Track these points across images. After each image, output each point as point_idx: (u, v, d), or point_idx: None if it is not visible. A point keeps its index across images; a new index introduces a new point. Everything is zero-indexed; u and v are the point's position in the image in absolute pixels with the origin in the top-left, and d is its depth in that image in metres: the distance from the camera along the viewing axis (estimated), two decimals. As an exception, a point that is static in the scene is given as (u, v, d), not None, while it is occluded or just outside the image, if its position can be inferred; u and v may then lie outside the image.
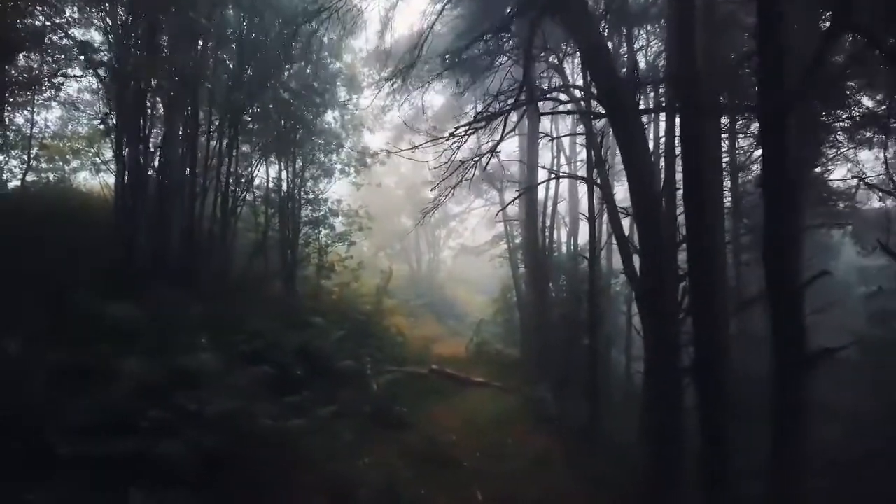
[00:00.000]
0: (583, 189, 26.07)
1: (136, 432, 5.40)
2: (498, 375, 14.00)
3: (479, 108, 12.96)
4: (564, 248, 22.48)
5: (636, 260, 8.26)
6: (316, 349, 9.58)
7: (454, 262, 34.90)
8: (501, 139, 8.11)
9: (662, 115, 10.10)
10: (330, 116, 15.97)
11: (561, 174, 14.39)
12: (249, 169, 14.62)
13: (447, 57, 10.22)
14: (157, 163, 11.67)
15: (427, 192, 32.39)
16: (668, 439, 7.17)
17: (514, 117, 8.87)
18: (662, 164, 8.68)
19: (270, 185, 15.13)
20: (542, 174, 16.84)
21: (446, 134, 7.95)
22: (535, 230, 16.79)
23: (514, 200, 11.80)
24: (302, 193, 15.63)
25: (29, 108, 12.03)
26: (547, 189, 16.55)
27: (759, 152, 8.48)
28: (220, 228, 13.44)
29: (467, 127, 7.94)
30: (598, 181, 8.92)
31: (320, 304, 15.40)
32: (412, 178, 31.47)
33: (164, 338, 7.30)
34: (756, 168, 10.23)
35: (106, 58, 10.79)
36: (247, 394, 6.72)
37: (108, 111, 10.96)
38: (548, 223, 16.44)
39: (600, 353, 11.34)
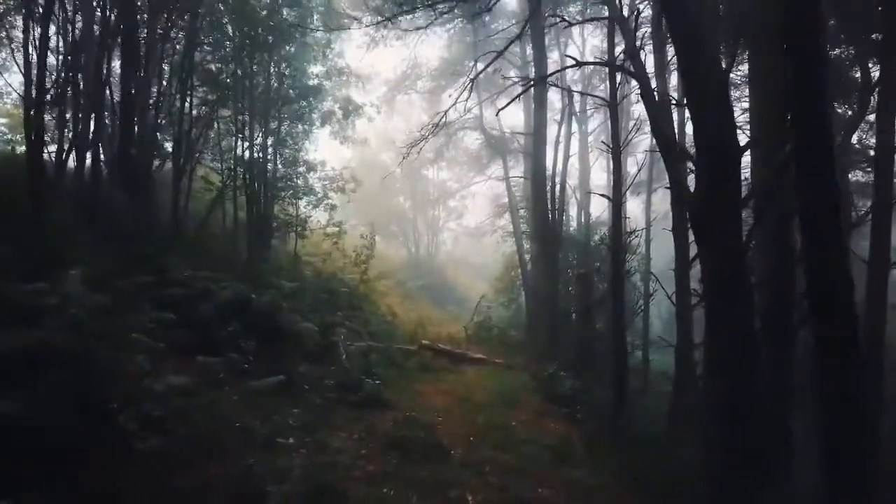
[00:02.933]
0: (594, 160, 24.17)
1: None
2: (501, 354, 11.89)
3: (480, 64, 11.15)
4: (574, 224, 20.49)
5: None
6: (262, 306, 7.43)
7: (455, 244, 32.79)
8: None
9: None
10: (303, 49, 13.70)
11: (586, 62, 11.83)
12: (205, 111, 12.47)
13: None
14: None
15: (426, 170, 30.61)
16: (740, 421, 5.03)
17: None
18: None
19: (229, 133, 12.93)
20: (550, 123, 14.71)
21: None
22: (543, 198, 14.50)
23: (519, 95, 9.37)
24: (269, 142, 13.47)
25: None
26: (557, 144, 14.31)
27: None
28: (173, 183, 11.41)
29: None
30: (632, 69, 6.72)
31: (296, 274, 13.34)
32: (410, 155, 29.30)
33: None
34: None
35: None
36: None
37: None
38: (558, 180, 14.12)
39: (624, 329, 9.20)
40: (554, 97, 18.25)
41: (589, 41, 21.52)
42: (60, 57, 9.47)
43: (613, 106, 8.51)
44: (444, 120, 8.70)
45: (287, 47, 13.41)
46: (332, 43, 14.95)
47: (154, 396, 4.42)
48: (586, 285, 10.56)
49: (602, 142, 8.95)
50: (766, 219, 5.51)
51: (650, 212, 19.33)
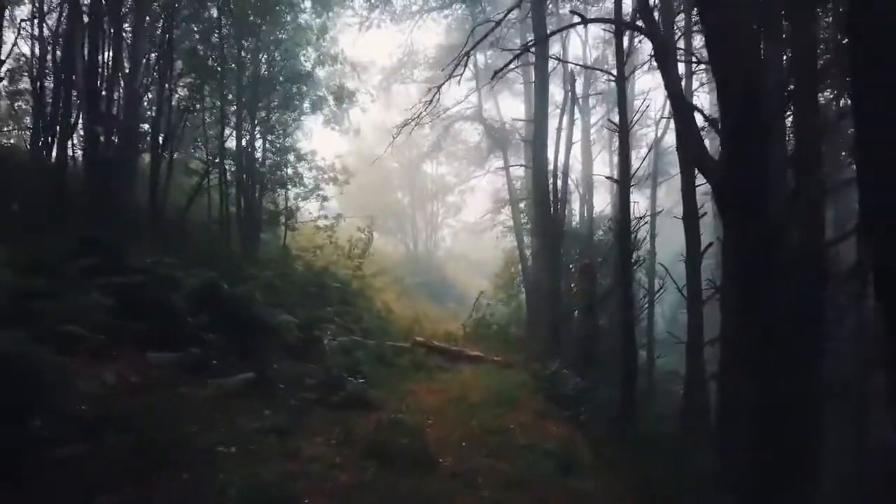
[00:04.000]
0: (596, 153, 23.40)
1: None
2: (500, 352, 11.15)
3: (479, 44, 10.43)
4: (577, 218, 19.78)
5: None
6: (235, 296, 6.71)
7: (454, 240, 32.07)
8: None
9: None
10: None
11: (591, 19, 10.96)
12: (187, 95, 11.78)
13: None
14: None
15: (424, 164, 29.89)
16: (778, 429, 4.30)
17: None
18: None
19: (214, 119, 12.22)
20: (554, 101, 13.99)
21: None
22: (544, 188, 13.69)
23: (518, 56, 8.68)
24: (257, 129, 12.77)
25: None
26: (559, 130, 13.54)
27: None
28: (151, 169, 10.76)
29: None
30: (645, 27, 5.97)
31: (286, 267, 12.64)
32: (408, 149, 28.58)
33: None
34: None
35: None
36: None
37: None
38: (560, 168, 13.28)
39: (633, 323, 8.46)
40: (555, 90, 17.55)
41: (591, 30, 20.75)
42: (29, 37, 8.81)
43: (621, 77, 7.80)
44: (437, 96, 8.02)
45: (278, 33, 12.74)
46: (328, 29, 14.28)
47: (82, 397, 3.71)
48: (590, 278, 9.85)
49: (608, 120, 8.19)
50: (804, 192, 4.78)
51: (655, 206, 18.58)
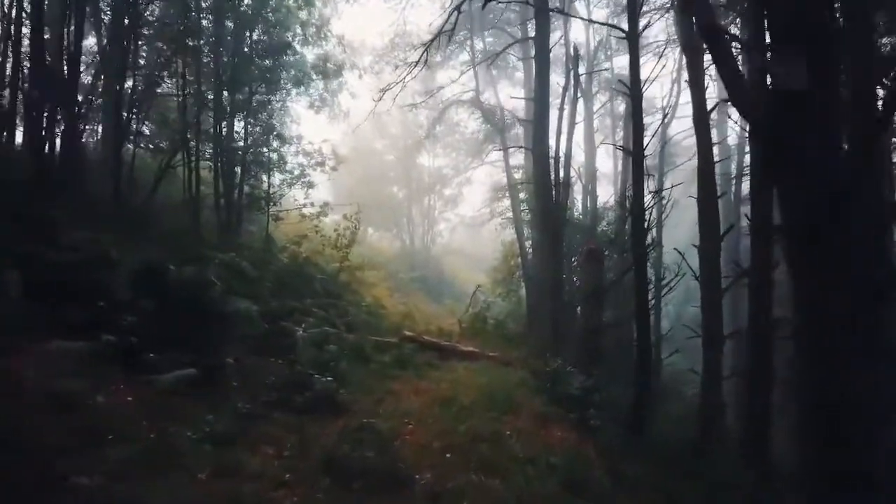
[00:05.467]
0: (599, 141, 22.33)
1: None
2: (497, 349, 10.16)
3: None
4: (580, 208, 18.78)
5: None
6: (184, 280, 5.70)
7: (452, 235, 31.06)
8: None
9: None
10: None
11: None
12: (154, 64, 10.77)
13: None
14: None
15: (421, 158, 28.90)
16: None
17: None
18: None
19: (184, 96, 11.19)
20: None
21: None
22: (546, 171, 12.64)
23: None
24: (232, 107, 11.76)
25: None
26: (561, 109, 12.53)
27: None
28: (113, 148, 9.78)
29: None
30: None
31: (268, 256, 11.66)
32: (402, 140, 27.56)
33: None
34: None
35: None
36: None
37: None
38: (563, 150, 12.25)
39: (648, 311, 7.44)
40: (557, 79, 16.53)
41: (595, 12, 19.75)
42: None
43: (633, 35, 6.79)
44: (425, 55, 7.03)
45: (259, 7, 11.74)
46: (313, 2, 13.27)
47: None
48: (596, 264, 8.84)
49: (619, 81, 7.19)
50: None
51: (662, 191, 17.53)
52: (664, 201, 14.16)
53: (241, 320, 6.16)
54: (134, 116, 10.27)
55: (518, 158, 20.10)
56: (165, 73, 10.85)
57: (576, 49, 12.69)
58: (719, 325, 8.94)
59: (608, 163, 23.20)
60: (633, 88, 6.83)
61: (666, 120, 17.78)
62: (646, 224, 7.18)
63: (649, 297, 7.68)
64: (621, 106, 21.12)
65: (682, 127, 19.21)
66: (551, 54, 13.10)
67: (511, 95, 17.67)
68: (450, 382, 7.09)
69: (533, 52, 13.09)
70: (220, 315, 5.88)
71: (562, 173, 11.85)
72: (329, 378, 5.62)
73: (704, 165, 8.80)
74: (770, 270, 6.88)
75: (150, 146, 11.52)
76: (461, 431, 4.89)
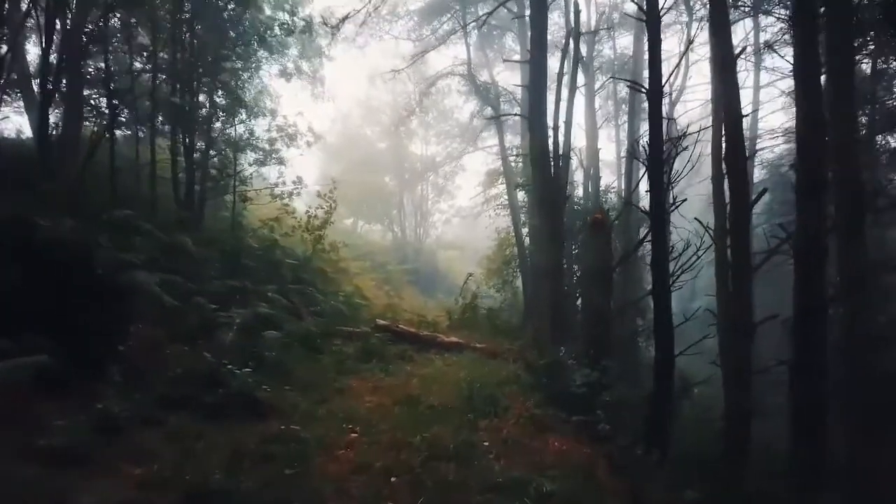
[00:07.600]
0: (600, 121, 20.81)
1: None
2: (489, 340, 8.74)
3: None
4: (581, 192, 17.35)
5: None
6: (60, 242, 4.27)
7: (446, 226, 29.67)
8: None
9: None
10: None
11: None
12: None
13: None
14: None
15: (413, 146, 27.49)
16: None
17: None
18: None
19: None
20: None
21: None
22: (544, 144, 11.14)
23: None
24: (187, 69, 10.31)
25: None
26: (560, 76, 11.09)
27: None
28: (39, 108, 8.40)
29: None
30: None
31: (232, 238, 10.29)
32: (392, 122, 25.96)
33: None
34: None
35: None
36: None
37: None
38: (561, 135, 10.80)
39: (669, 285, 5.98)
40: (553, 64, 14.95)
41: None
42: None
43: (654, 16, 5.39)
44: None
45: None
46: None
47: None
48: (603, 236, 7.42)
49: (634, 3, 5.79)
50: None
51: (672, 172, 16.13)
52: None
53: (142, 297, 4.74)
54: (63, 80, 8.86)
55: (514, 142, 18.72)
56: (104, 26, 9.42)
57: (576, 4, 11.20)
58: (748, 307, 7.56)
59: (612, 148, 21.70)
60: (649, 14, 5.40)
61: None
62: (667, 178, 5.73)
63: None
64: (623, 91, 19.77)
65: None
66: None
67: (504, 58, 16.09)
68: (422, 378, 5.69)
69: (528, 12, 11.62)
70: (111, 288, 4.47)
71: (561, 141, 10.42)
72: (247, 370, 4.20)
73: (730, 119, 7.41)
74: (823, 235, 5.50)
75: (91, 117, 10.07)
76: (417, 443, 3.46)
